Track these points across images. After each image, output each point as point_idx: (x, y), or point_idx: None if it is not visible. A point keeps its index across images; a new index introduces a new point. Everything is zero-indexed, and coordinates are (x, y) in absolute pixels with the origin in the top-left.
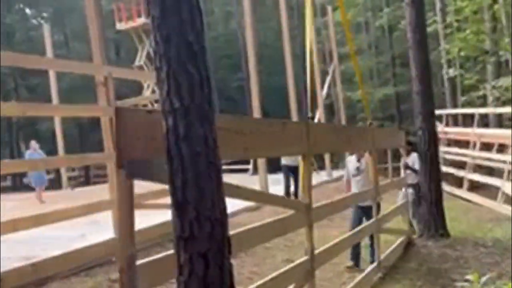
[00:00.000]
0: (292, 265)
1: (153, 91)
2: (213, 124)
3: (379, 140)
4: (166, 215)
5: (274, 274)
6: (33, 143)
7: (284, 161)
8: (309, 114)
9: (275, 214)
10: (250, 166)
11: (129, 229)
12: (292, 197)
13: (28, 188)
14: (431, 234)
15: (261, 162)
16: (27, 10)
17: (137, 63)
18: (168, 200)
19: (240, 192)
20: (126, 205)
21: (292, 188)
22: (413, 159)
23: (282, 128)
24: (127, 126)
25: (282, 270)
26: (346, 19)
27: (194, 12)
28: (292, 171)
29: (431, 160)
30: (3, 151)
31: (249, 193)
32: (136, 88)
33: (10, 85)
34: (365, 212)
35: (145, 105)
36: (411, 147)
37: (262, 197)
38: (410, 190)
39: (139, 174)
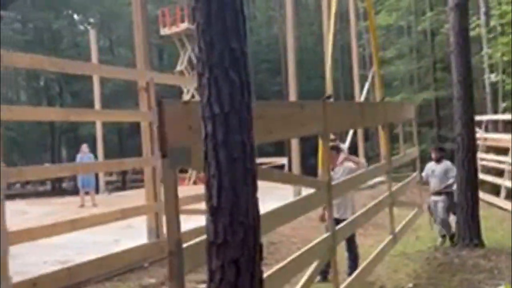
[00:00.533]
0: (315, 241)
1: (193, 96)
2: (252, 131)
3: (391, 114)
4: (198, 222)
5: (299, 252)
6: (84, 147)
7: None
8: (327, 94)
9: (307, 219)
10: (285, 161)
11: (175, 216)
12: None
13: (67, 192)
14: (465, 243)
15: (296, 161)
16: (75, 16)
17: (178, 68)
18: (201, 206)
19: (269, 175)
20: (171, 193)
21: None
22: (445, 166)
23: (300, 109)
24: (168, 117)
25: (306, 247)
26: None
27: (238, 19)
28: None
29: (468, 167)
30: (45, 155)
31: (278, 175)
32: (176, 93)
33: (55, 90)
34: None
35: None
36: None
37: (289, 178)
38: (442, 197)
39: (181, 162)
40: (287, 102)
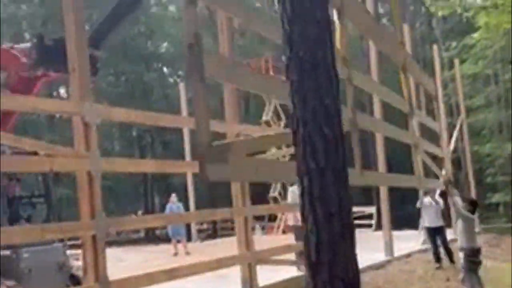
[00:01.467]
0: None
1: (279, 148)
2: (347, 186)
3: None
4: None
5: None
6: (173, 197)
7: (427, 223)
8: None
9: (399, 272)
10: (373, 222)
11: None
12: (444, 259)
13: (160, 240)
14: None
15: (385, 217)
16: (165, 69)
17: (264, 118)
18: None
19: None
20: None
21: (441, 249)
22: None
23: None
24: None
25: None
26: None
27: (331, 76)
28: (437, 233)
29: None
30: (138, 203)
31: None
32: None
33: (147, 140)
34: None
35: None
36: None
37: None
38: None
39: None
40: None
